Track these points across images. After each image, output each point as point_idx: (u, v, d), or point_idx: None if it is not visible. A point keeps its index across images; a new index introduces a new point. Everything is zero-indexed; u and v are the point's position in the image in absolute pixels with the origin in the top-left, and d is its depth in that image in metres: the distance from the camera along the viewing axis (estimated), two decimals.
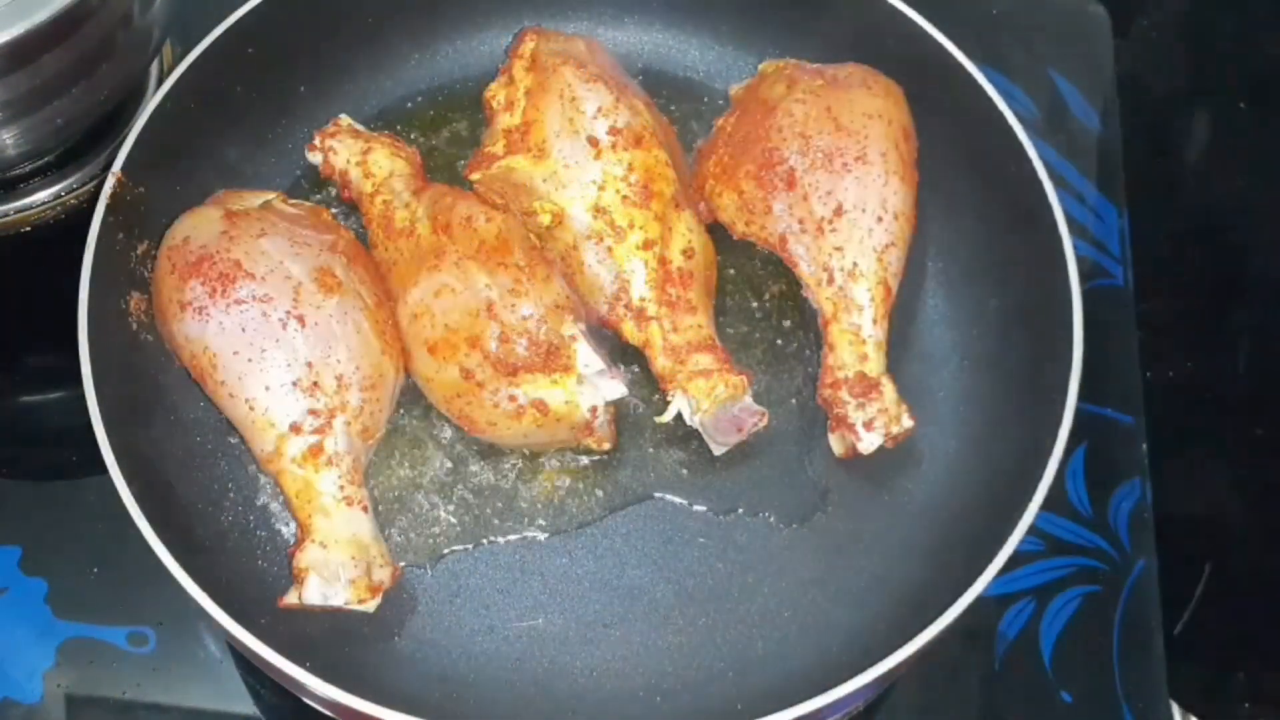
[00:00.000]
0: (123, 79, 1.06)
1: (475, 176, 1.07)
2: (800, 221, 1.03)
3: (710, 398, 0.97)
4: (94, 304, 0.94)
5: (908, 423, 0.99)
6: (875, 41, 1.09)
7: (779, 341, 1.07)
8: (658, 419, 1.00)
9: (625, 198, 1.02)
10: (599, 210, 1.02)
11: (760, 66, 1.13)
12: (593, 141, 1.03)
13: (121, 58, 1.03)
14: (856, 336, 1.01)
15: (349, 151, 1.08)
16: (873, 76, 1.07)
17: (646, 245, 1.01)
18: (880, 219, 1.02)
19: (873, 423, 0.98)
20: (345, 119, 1.11)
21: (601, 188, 1.02)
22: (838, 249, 1.02)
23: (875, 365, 1.00)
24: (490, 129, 1.09)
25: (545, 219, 1.02)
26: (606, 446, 1.00)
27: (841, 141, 1.03)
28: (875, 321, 1.01)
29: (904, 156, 1.04)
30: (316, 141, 1.09)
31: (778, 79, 1.08)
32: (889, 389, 1.00)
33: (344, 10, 1.13)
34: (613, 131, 1.03)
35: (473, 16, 1.17)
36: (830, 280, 1.02)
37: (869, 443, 0.98)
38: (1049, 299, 0.97)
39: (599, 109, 1.04)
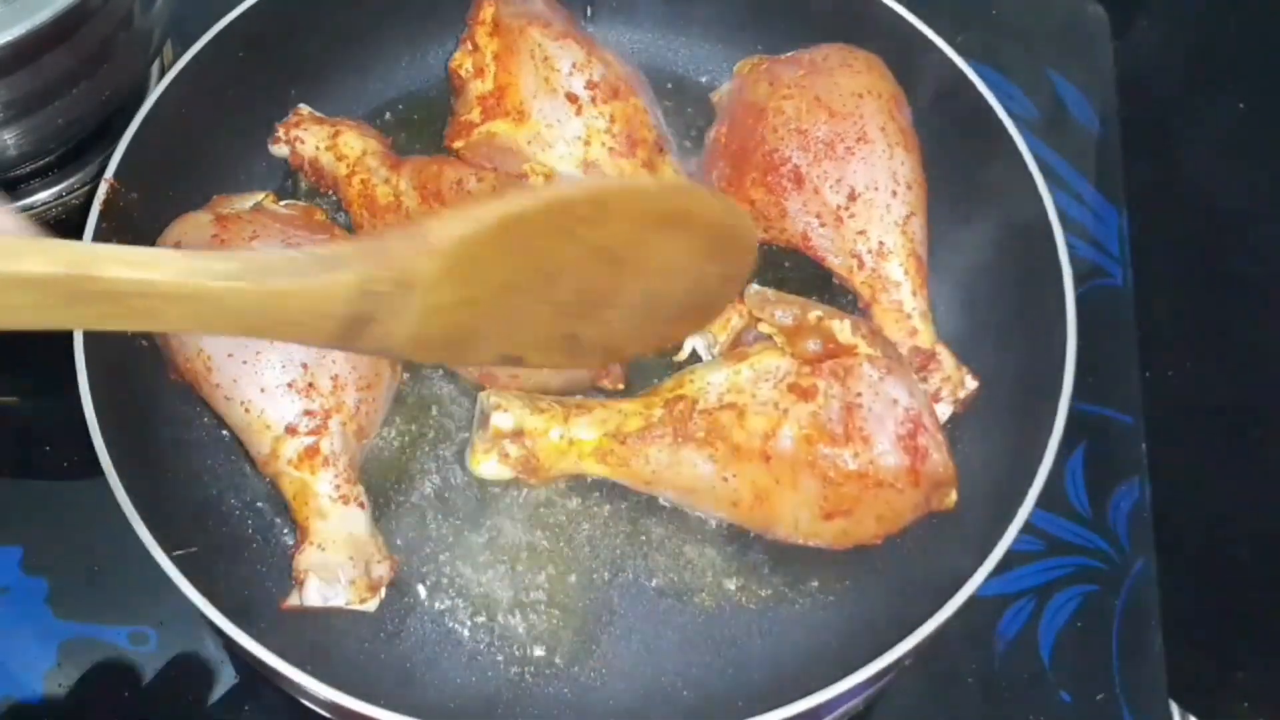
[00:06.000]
0: (124, 79, 1.06)
1: (458, 144, 1.07)
2: (817, 215, 1.03)
3: (725, 329, 0.97)
4: None
5: (972, 384, 0.99)
6: (866, 38, 1.09)
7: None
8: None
9: (611, 149, 1.03)
10: (588, 165, 1.03)
11: (735, 67, 1.13)
12: (571, 98, 1.03)
13: (122, 58, 1.04)
14: (900, 312, 1.01)
15: (316, 138, 1.08)
16: (851, 54, 1.07)
17: None
18: (895, 193, 1.02)
19: (939, 393, 0.99)
20: (305, 108, 1.11)
21: (587, 143, 1.03)
22: (860, 233, 1.02)
23: (926, 336, 1.01)
24: (462, 98, 1.09)
25: (538, 181, 1.03)
26: (620, 386, 1.01)
27: (838, 127, 1.03)
28: (914, 293, 1.01)
29: (901, 126, 1.04)
30: (280, 134, 1.09)
31: (758, 78, 1.08)
32: (946, 356, 1.00)
33: (334, 13, 1.13)
34: (590, 85, 1.04)
35: (463, 18, 1.17)
36: (861, 265, 1.02)
37: (940, 413, 0.98)
38: (1044, 298, 0.98)
39: (573, 65, 1.04)
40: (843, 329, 0.94)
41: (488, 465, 0.96)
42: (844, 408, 0.92)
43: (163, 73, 1.05)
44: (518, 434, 0.95)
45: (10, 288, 0.62)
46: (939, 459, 0.93)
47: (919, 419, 0.92)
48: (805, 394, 0.93)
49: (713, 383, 0.95)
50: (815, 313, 0.94)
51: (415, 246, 0.78)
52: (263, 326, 0.75)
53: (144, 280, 0.66)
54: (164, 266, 0.67)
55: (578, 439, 0.95)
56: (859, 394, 0.92)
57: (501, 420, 0.95)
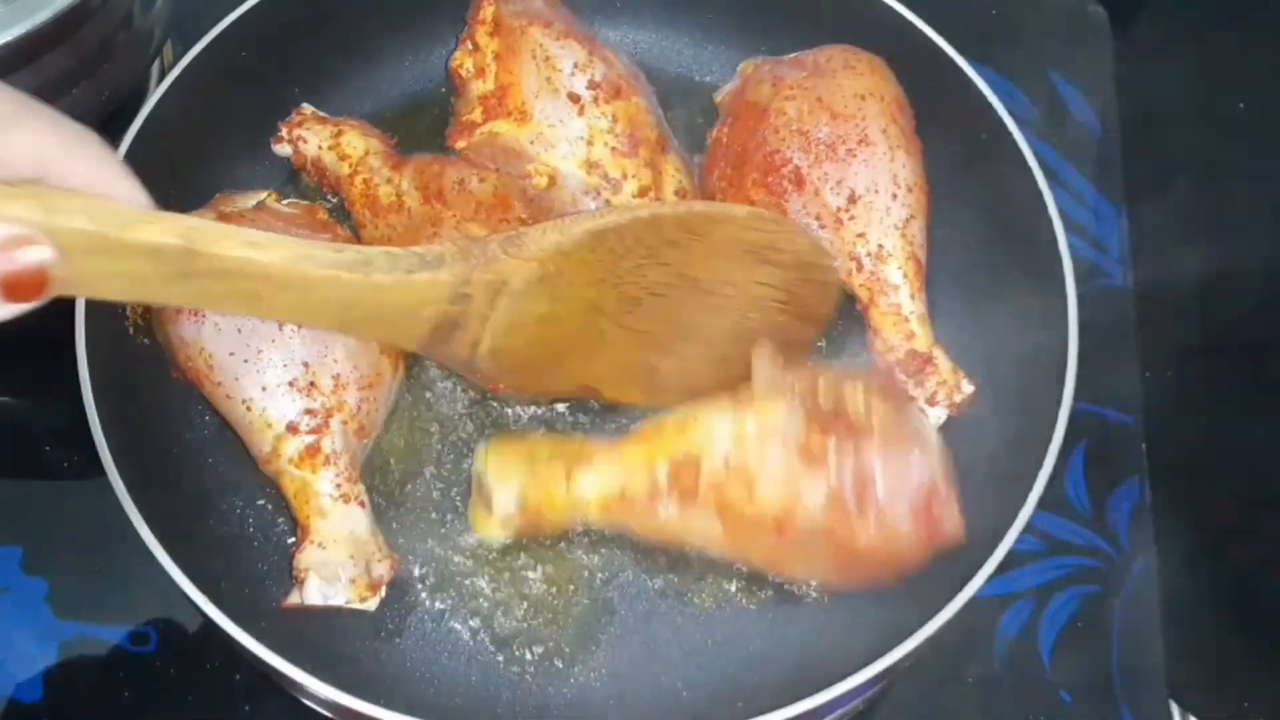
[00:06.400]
0: (124, 79, 1.07)
1: (460, 144, 1.07)
2: (817, 217, 1.03)
3: None
4: (90, 308, 0.94)
5: (968, 388, 0.99)
6: (869, 39, 1.09)
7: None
8: None
9: (614, 149, 1.03)
10: (591, 165, 1.03)
11: (739, 68, 1.13)
12: (574, 98, 1.04)
13: (122, 58, 1.04)
14: (898, 315, 1.01)
15: (318, 137, 1.08)
16: (854, 55, 1.07)
17: (642, 193, 1.03)
18: (895, 196, 1.02)
19: (935, 396, 0.99)
20: (308, 107, 1.11)
21: (590, 143, 1.04)
22: (860, 235, 1.02)
23: (923, 339, 1.01)
24: (463, 98, 1.10)
25: (541, 182, 1.03)
26: None
27: (840, 129, 1.03)
28: (913, 296, 1.01)
29: (903, 129, 1.04)
30: (283, 133, 1.09)
31: (761, 79, 1.08)
32: (942, 359, 1.00)
33: (336, 13, 1.13)
34: (592, 85, 1.04)
35: (466, 18, 1.18)
36: (860, 267, 1.02)
37: (934, 418, 0.98)
38: (1044, 298, 0.98)
39: (575, 65, 1.05)
40: (855, 394, 0.90)
41: (490, 531, 0.94)
42: (858, 483, 0.88)
43: (163, 73, 1.05)
44: (521, 507, 0.93)
45: (126, 255, 0.62)
46: (951, 524, 0.90)
47: (934, 489, 0.90)
48: (816, 459, 0.88)
49: (717, 436, 0.90)
50: (825, 379, 0.91)
51: (510, 251, 0.80)
52: (357, 322, 0.76)
53: (251, 260, 0.66)
54: (271, 249, 0.68)
55: (581, 498, 0.92)
56: (873, 467, 0.88)
57: (504, 501, 0.92)
